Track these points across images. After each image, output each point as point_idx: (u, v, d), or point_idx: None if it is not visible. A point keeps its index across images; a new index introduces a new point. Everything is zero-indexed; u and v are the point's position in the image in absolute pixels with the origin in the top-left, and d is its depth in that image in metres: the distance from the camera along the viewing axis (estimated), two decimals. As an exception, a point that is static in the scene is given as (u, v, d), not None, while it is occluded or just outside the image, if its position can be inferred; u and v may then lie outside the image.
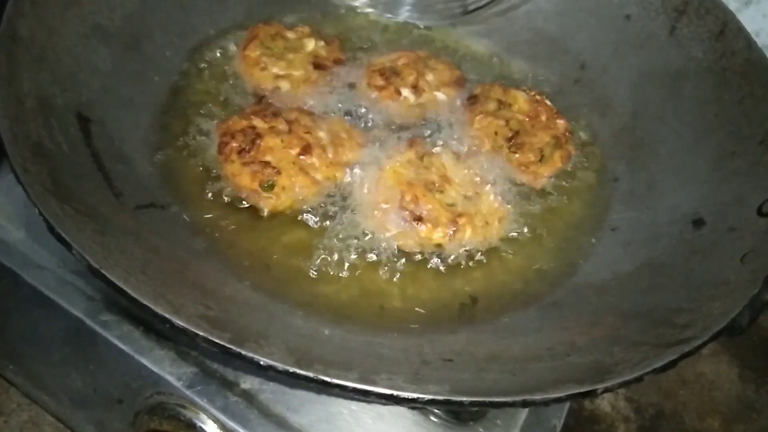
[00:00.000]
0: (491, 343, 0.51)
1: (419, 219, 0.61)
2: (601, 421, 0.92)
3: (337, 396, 0.41)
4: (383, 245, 0.61)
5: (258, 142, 0.62)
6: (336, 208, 0.63)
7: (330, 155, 0.64)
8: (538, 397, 0.38)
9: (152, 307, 0.38)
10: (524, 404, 0.38)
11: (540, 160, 0.68)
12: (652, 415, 0.93)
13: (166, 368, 0.57)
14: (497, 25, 0.81)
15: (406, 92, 0.72)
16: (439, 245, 0.61)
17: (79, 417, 0.68)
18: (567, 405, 0.63)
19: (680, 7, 0.73)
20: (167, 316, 0.38)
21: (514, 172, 0.68)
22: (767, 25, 0.92)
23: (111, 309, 0.60)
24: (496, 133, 0.69)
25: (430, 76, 0.73)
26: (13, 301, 0.65)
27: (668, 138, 0.69)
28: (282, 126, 0.64)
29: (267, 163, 0.62)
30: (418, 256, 0.61)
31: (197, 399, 0.56)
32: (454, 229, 0.61)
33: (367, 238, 0.61)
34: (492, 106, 0.71)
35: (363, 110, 0.72)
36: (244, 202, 0.62)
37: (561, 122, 0.72)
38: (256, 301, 0.54)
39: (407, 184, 0.63)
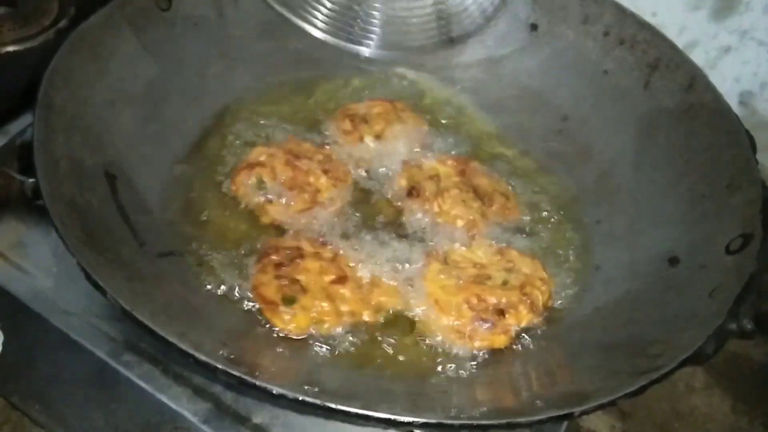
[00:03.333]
0: (481, 375, 0.55)
1: (501, 312, 0.61)
2: (598, 454, 0.95)
3: (341, 421, 0.45)
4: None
5: (298, 261, 0.64)
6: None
7: (364, 292, 0.64)
8: (521, 419, 0.43)
9: (178, 343, 0.43)
10: (508, 426, 0.43)
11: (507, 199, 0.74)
12: (648, 448, 0.96)
13: (183, 404, 0.61)
14: (484, 82, 0.88)
15: (368, 139, 0.77)
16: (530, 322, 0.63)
17: (100, 453, 0.72)
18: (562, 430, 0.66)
19: (653, 63, 0.80)
20: (191, 351, 0.43)
21: (499, 220, 0.73)
22: (746, 70, 0.98)
23: (132, 350, 0.64)
24: (463, 201, 0.72)
25: (397, 127, 0.78)
26: (40, 344, 0.69)
27: (644, 183, 0.75)
28: (327, 254, 0.66)
29: (297, 281, 0.62)
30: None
31: (212, 433, 0.60)
32: (530, 300, 0.63)
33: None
34: (433, 186, 0.74)
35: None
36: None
37: (478, 165, 0.77)
38: (268, 343, 0.59)
39: (462, 291, 0.63)
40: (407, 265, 0.67)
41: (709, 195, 0.68)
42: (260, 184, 0.71)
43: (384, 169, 0.77)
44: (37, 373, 0.73)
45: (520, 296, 0.63)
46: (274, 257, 0.64)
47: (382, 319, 0.63)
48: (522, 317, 0.62)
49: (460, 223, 0.71)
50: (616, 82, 0.82)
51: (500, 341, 0.61)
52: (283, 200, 0.70)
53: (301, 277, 0.62)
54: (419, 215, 0.72)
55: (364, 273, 0.65)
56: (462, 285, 0.64)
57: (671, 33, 0.81)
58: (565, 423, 0.65)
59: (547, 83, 0.86)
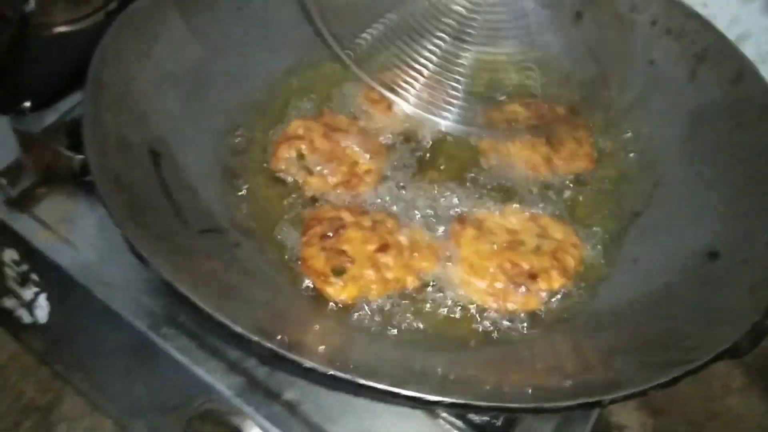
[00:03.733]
0: (510, 362, 0.55)
1: (534, 277, 0.64)
2: (629, 451, 0.94)
3: (370, 398, 0.46)
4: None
5: (341, 231, 0.66)
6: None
7: (405, 258, 0.66)
8: (549, 405, 0.43)
9: (214, 314, 0.45)
10: (535, 411, 0.43)
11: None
12: (680, 447, 0.94)
13: (218, 378, 0.63)
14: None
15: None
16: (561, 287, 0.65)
17: (136, 423, 0.74)
18: (590, 424, 0.66)
19: (700, 54, 0.78)
20: (227, 323, 0.44)
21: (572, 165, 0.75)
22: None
23: (171, 324, 0.66)
24: (532, 145, 0.75)
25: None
26: (84, 316, 0.72)
27: (687, 176, 0.73)
28: (367, 223, 0.68)
29: (343, 252, 0.65)
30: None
31: (244, 407, 0.61)
32: (561, 265, 0.65)
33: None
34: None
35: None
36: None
37: (560, 110, 0.80)
38: (306, 317, 0.60)
39: (496, 256, 0.66)
40: (442, 232, 0.69)
41: (754, 190, 0.66)
42: (300, 157, 0.73)
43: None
44: (80, 344, 0.76)
45: (551, 261, 0.65)
46: (318, 228, 0.66)
47: (421, 285, 0.65)
48: (553, 281, 0.64)
49: (524, 167, 0.74)
50: (662, 72, 0.81)
51: (533, 303, 0.63)
52: (324, 172, 0.72)
53: (347, 247, 0.65)
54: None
55: (403, 239, 0.67)
56: (496, 251, 0.66)
57: (722, 25, 0.79)
58: (595, 413, 0.65)
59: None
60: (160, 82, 0.70)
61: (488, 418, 0.61)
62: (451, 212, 0.72)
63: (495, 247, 0.66)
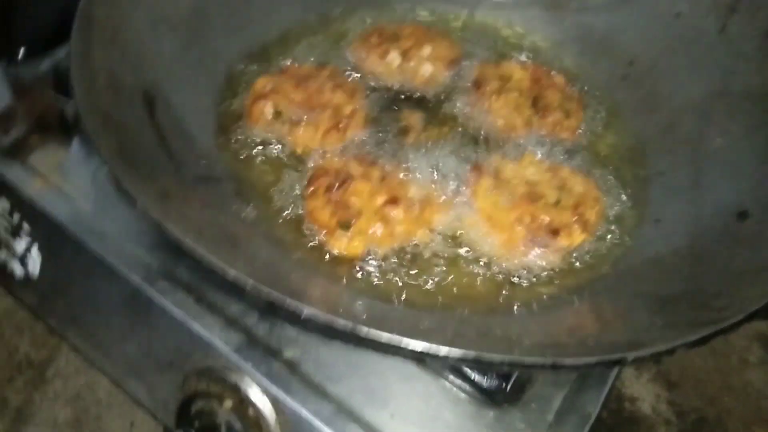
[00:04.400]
0: (526, 322, 0.52)
1: (555, 232, 0.61)
2: (641, 422, 0.91)
3: (374, 350, 0.43)
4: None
5: (348, 183, 0.63)
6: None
7: (416, 212, 0.63)
8: (567, 361, 0.40)
9: (207, 258, 0.41)
10: (553, 367, 0.40)
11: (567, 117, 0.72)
12: (694, 420, 0.91)
13: (216, 334, 0.60)
14: (546, 21, 0.82)
15: (393, 55, 0.74)
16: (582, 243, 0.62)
17: (132, 379, 0.72)
18: (603, 393, 0.63)
19: (731, 5, 0.73)
20: (221, 266, 0.41)
21: (554, 134, 0.71)
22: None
23: (167, 277, 0.64)
24: (516, 106, 0.72)
25: (427, 49, 0.75)
26: (77, 268, 0.70)
27: (715, 133, 0.69)
28: (376, 174, 0.65)
29: (350, 205, 0.62)
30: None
31: (243, 364, 0.59)
32: (583, 220, 0.62)
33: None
34: (496, 84, 0.73)
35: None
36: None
37: (559, 79, 0.76)
38: (302, 272, 0.57)
39: (515, 209, 0.63)
40: (457, 182, 0.66)
41: (787, 146, 0.62)
42: (277, 115, 0.68)
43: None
44: (74, 298, 0.74)
45: (573, 215, 0.61)
46: (323, 180, 0.63)
47: (434, 239, 0.62)
48: (575, 237, 0.60)
49: (500, 123, 0.71)
50: (690, 25, 0.76)
51: (554, 259, 0.60)
52: (307, 121, 0.68)
53: (354, 200, 0.62)
54: (466, 109, 0.72)
55: (414, 190, 0.64)
56: (514, 202, 0.62)
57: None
58: (610, 381, 0.62)
59: (614, 25, 0.80)
60: (157, 23, 0.66)
61: (497, 382, 0.58)
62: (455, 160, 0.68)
63: (514, 198, 0.63)
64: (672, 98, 0.75)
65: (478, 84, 0.74)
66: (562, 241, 0.60)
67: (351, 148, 0.68)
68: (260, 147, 0.67)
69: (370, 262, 0.60)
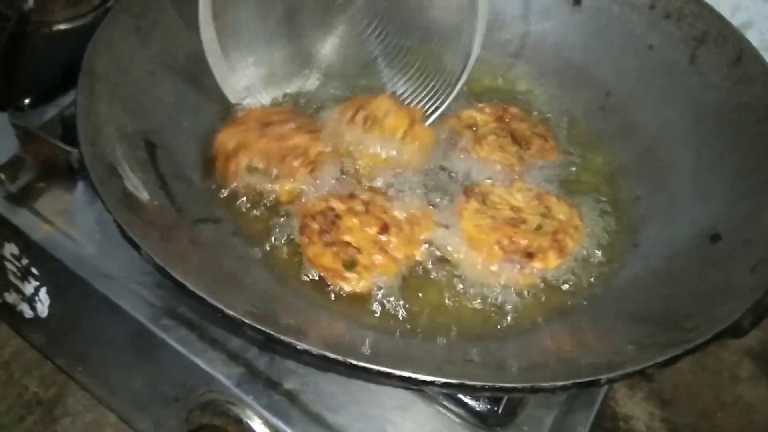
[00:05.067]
0: (509, 348, 0.55)
1: (530, 255, 0.63)
2: (635, 440, 0.93)
3: (364, 379, 0.46)
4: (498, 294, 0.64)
5: (338, 222, 0.65)
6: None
7: (407, 233, 0.65)
8: (545, 384, 0.42)
9: (207, 299, 0.44)
10: (532, 390, 0.42)
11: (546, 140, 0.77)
12: (688, 436, 0.93)
13: (218, 368, 0.63)
14: (526, 55, 0.86)
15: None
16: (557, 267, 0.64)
17: (138, 415, 0.74)
18: (593, 413, 0.65)
19: (699, 37, 0.77)
20: (219, 306, 0.44)
21: (543, 158, 0.75)
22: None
23: (170, 315, 0.66)
24: (501, 147, 0.75)
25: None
26: (84, 308, 0.72)
27: (689, 158, 0.72)
28: (359, 207, 0.66)
29: (347, 243, 0.64)
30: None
31: (244, 397, 0.61)
32: (560, 247, 0.65)
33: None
34: (470, 134, 0.77)
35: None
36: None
37: (514, 110, 0.80)
38: (299, 307, 0.60)
39: (494, 231, 0.65)
40: (445, 202, 0.70)
41: (757, 169, 0.65)
42: (251, 169, 0.69)
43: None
44: (82, 337, 0.76)
45: (551, 242, 0.64)
46: (314, 225, 0.64)
47: (429, 258, 0.65)
48: (549, 262, 0.63)
49: (498, 167, 0.73)
50: (662, 56, 0.79)
51: (528, 281, 0.63)
52: (280, 172, 0.69)
53: (349, 238, 0.64)
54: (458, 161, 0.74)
55: (398, 214, 0.67)
56: (496, 225, 0.66)
57: (724, 12, 0.78)
58: (598, 401, 0.64)
59: (590, 58, 0.84)
60: (155, 72, 0.70)
61: (489, 406, 0.60)
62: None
63: (495, 222, 0.66)
64: (647, 126, 0.78)
65: (453, 141, 0.76)
66: (537, 264, 0.63)
67: (330, 183, 0.70)
68: (244, 198, 0.69)
69: (376, 293, 0.62)
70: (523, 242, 0.64)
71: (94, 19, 0.81)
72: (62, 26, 0.82)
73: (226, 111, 0.76)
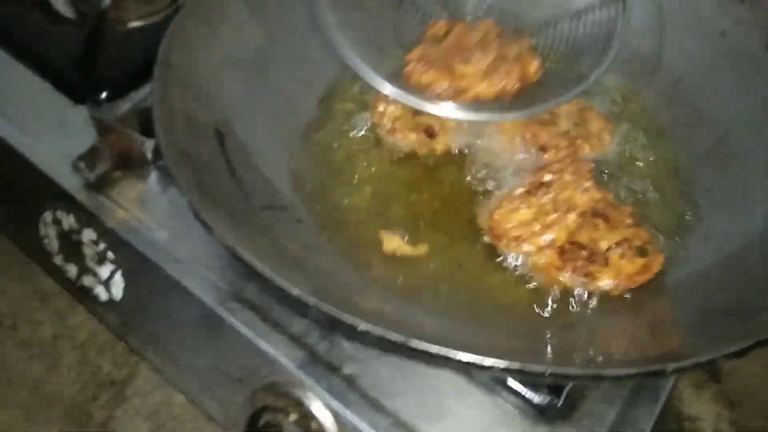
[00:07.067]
0: (572, 335, 0.54)
1: (543, 149, 0.69)
2: (702, 442, 0.90)
3: (423, 362, 0.46)
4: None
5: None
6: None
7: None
8: (607, 371, 0.42)
9: (273, 277, 0.46)
10: (594, 378, 0.42)
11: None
12: (758, 440, 0.90)
13: (281, 351, 0.64)
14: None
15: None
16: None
17: (204, 395, 0.77)
18: (657, 409, 0.63)
19: (775, 22, 0.74)
20: (285, 286, 0.45)
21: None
22: None
23: (236, 298, 0.68)
24: None
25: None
26: (156, 290, 0.75)
27: (763, 148, 0.69)
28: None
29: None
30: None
31: (306, 379, 0.63)
32: (572, 148, 0.69)
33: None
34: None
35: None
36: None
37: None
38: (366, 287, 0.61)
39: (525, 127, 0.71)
40: None
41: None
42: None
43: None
44: (153, 319, 0.80)
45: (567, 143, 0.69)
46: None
47: None
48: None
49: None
50: (735, 43, 0.77)
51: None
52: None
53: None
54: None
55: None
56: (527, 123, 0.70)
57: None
58: (663, 396, 0.63)
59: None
60: (224, 64, 0.72)
61: (549, 398, 0.59)
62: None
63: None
64: (719, 115, 0.76)
65: None
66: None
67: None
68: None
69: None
70: (544, 137, 0.69)
71: (166, 17, 0.85)
72: (136, 23, 0.86)
73: (292, 104, 0.78)
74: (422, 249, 0.66)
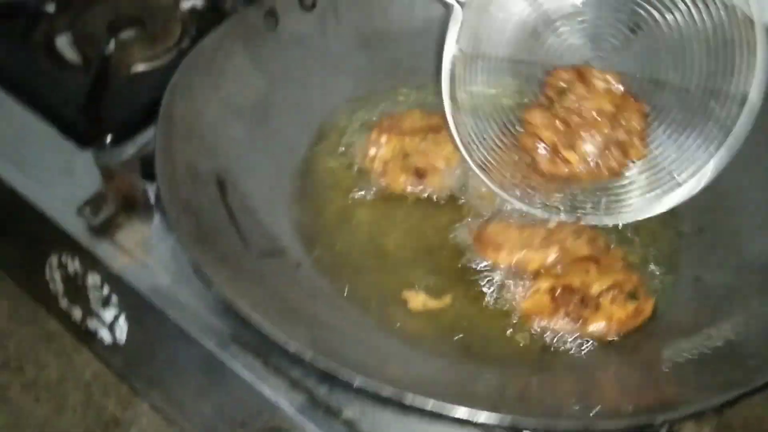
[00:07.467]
0: (564, 383, 0.55)
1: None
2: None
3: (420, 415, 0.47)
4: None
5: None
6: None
7: None
8: (600, 425, 0.43)
9: (271, 335, 0.47)
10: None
11: None
12: (762, 482, 0.89)
13: (281, 395, 0.65)
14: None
15: None
16: None
17: (208, 438, 0.78)
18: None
19: None
20: (283, 342, 0.47)
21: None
22: None
23: (237, 343, 0.69)
24: None
25: None
26: (159, 335, 0.76)
27: (756, 184, 0.71)
28: None
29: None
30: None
31: (306, 424, 0.63)
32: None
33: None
34: None
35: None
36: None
37: None
38: (363, 337, 0.62)
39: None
40: None
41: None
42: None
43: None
44: (156, 362, 0.80)
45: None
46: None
47: None
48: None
49: None
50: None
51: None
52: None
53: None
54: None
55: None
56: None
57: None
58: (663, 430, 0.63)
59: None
60: (226, 113, 0.74)
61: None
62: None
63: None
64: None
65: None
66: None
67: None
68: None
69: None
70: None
71: (170, 61, 0.87)
72: (140, 67, 0.88)
73: (291, 149, 0.80)
74: (446, 300, 0.66)
